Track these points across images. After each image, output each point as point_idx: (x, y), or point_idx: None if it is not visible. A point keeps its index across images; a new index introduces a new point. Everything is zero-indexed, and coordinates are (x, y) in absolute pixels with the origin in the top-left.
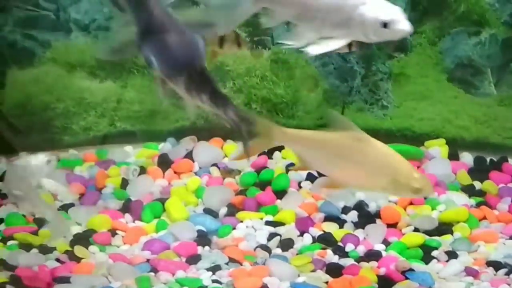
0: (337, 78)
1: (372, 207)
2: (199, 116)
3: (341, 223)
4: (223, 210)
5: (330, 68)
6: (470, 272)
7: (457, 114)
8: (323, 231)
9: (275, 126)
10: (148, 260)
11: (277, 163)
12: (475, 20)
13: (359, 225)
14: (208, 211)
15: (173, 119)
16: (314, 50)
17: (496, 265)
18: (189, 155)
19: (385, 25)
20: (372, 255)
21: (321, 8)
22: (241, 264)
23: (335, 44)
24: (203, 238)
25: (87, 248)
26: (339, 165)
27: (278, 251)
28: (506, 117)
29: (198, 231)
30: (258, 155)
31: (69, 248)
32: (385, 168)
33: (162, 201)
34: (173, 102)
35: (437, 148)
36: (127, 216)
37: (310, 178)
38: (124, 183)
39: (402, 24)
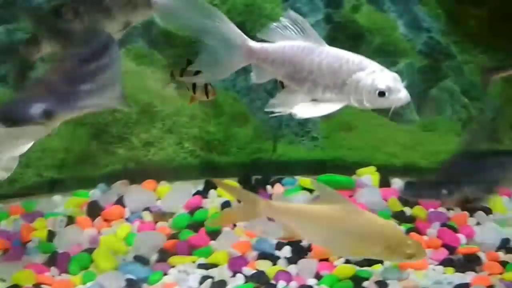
0: (266, 113)
1: (305, 242)
2: (129, 160)
3: (275, 259)
4: (154, 256)
5: (258, 103)
6: None
7: (385, 142)
8: (256, 269)
9: (261, 201)
10: None
11: (212, 201)
12: (391, 51)
13: (292, 260)
14: (138, 259)
15: (103, 163)
16: (303, 112)
17: None
18: (120, 201)
19: (381, 93)
20: None
21: (314, 70)
22: None
23: (327, 108)
24: (132, 287)
25: None
26: (332, 236)
27: None
28: (431, 141)
29: (127, 279)
30: (193, 195)
31: None
32: (378, 236)
33: (90, 251)
34: (102, 147)
35: (368, 176)
36: (53, 270)
37: None
38: (51, 235)
39: (400, 94)
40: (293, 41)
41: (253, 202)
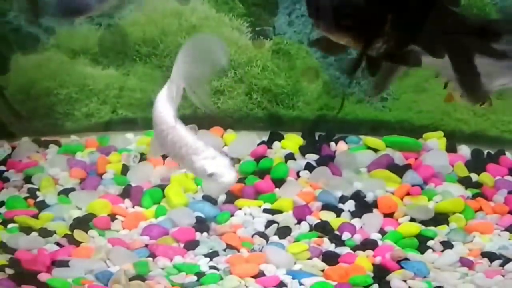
0: (337, 69)
1: (369, 197)
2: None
3: (338, 212)
4: (222, 197)
5: (331, 59)
6: (465, 262)
7: (456, 107)
8: (320, 219)
9: None
10: (146, 245)
11: (276, 152)
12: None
13: (356, 214)
14: (207, 198)
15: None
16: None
17: (490, 256)
18: None
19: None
20: (368, 244)
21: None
22: (239, 251)
23: None
24: (201, 225)
25: (86, 232)
26: None
27: (276, 238)
28: (504, 110)
29: (197, 217)
30: (258, 144)
31: (69, 232)
32: None
33: (162, 187)
34: None
35: (435, 141)
36: (127, 202)
37: (309, 167)
38: (125, 169)
39: (227, 176)
40: None
41: None
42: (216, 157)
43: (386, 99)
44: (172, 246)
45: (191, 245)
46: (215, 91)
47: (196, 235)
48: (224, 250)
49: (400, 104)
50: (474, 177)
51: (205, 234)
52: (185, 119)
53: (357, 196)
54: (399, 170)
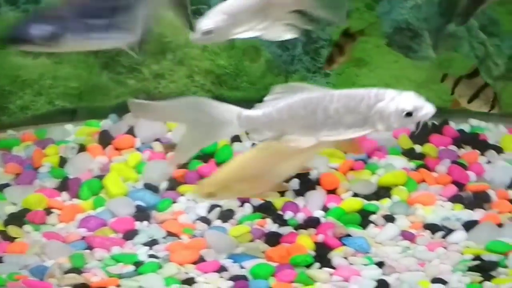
0: (279, 47)
1: (313, 174)
2: (140, 91)
3: (283, 191)
4: (163, 185)
5: None
6: (406, 235)
7: (398, 79)
8: (264, 200)
9: None
10: (83, 238)
11: None
12: None
13: (300, 193)
14: (148, 186)
15: (114, 95)
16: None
17: (433, 228)
18: (131, 131)
19: (409, 114)
20: (310, 222)
21: (331, 114)
22: (179, 238)
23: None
24: (141, 213)
25: (21, 228)
26: None
27: (219, 222)
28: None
29: (137, 206)
30: None
31: (3, 228)
32: None
33: (101, 178)
34: (113, 77)
35: None
36: (64, 195)
37: None
38: (62, 161)
39: (426, 109)
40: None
41: None
42: (401, 93)
43: (329, 74)
44: (110, 237)
45: (130, 234)
46: (155, 75)
47: (135, 225)
48: (164, 238)
49: (344, 79)
50: (418, 148)
51: (145, 223)
52: (126, 107)
53: (301, 174)
54: None
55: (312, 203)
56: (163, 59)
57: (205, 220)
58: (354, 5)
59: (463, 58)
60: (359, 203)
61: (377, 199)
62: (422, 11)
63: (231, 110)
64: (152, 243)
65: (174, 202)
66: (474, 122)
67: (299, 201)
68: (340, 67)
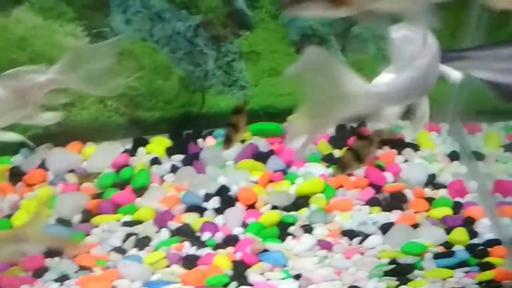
0: (190, 63)
1: (233, 191)
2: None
3: (202, 211)
4: (77, 217)
5: (180, 53)
6: (323, 245)
7: None
8: (183, 223)
9: None
10: None
11: (140, 159)
12: None
13: (220, 211)
14: (60, 221)
15: (23, 127)
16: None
17: (350, 234)
18: (43, 164)
19: None
20: (229, 241)
21: None
22: (92, 271)
23: None
24: (53, 250)
25: None
26: None
27: (134, 251)
28: None
29: None
30: (121, 154)
31: None
32: None
33: (10, 217)
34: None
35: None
36: None
37: (174, 169)
38: None
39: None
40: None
41: None
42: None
43: (245, 87)
44: (19, 276)
45: (40, 272)
46: (64, 104)
47: (45, 262)
48: (76, 272)
49: (260, 90)
50: (336, 153)
51: (56, 259)
52: (37, 138)
53: (222, 192)
54: (263, 158)
55: (232, 220)
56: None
57: (119, 250)
58: (259, 16)
59: (372, 59)
60: (277, 215)
61: (296, 209)
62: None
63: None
64: (62, 278)
65: (88, 234)
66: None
67: (219, 219)
68: (235, 143)
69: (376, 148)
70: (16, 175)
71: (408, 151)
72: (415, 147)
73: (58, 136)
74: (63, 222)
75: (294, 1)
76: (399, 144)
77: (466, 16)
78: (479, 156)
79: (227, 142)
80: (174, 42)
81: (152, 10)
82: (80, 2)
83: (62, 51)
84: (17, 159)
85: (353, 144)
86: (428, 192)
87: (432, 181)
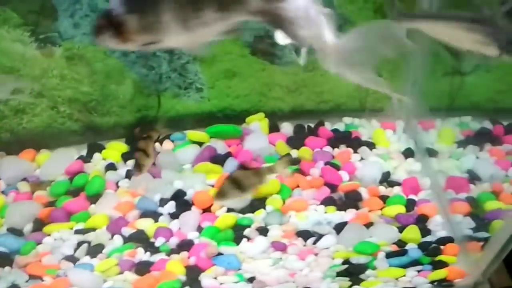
0: (143, 66)
1: (189, 194)
2: (2, 130)
3: (157, 216)
4: (28, 227)
5: (133, 57)
6: (278, 246)
7: (270, 86)
8: (137, 229)
9: None
10: None
11: (95, 165)
12: None
13: (175, 215)
14: (11, 230)
15: None
16: None
17: (305, 235)
18: None
19: None
20: (184, 246)
21: None
22: (42, 280)
23: None
24: (3, 259)
25: None
26: None
27: (87, 259)
28: (314, 82)
29: None
30: (76, 160)
31: None
32: None
33: None
34: None
35: (257, 123)
36: None
37: (130, 175)
38: None
39: None
40: None
41: None
42: None
43: (201, 89)
44: None
45: None
46: (15, 111)
47: None
48: (27, 281)
49: (217, 92)
50: (294, 153)
51: (7, 268)
52: None
53: (177, 196)
54: (221, 160)
55: (187, 225)
56: (20, 93)
57: (71, 258)
58: None
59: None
60: (233, 218)
61: (252, 211)
62: None
63: None
64: None
65: (39, 243)
66: (348, 120)
67: (174, 224)
68: (147, 168)
69: (263, 180)
70: None
71: (363, 149)
72: (371, 146)
73: (11, 144)
74: (14, 231)
75: (95, 34)
76: (355, 143)
77: None
78: (432, 152)
79: (138, 168)
80: None
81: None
82: (26, 8)
83: (10, 57)
84: None
85: (234, 172)
86: (383, 190)
87: (386, 179)
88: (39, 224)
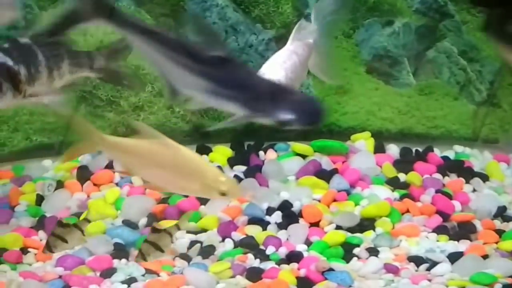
0: None
1: (296, 206)
2: (119, 124)
3: (265, 225)
4: (143, 221)
5: (250, 66)
6: (389, 269)
7: (380, 106)
8: (246, 234)
9: (96, 132)
10: (60, 277)
11: None
12: (386, 10)
13: (282, 226)
14: (127, 223)
15: None
16: None
17: (417, 260)
18: (110, 165)
19: None
20: (293, 257)
21: None
22: (158, 275)
23: None
24: (120, 251)
25: None
26: (153, 170)
27: (199, 259)
28: (428, 106)
29: (115, 244)
30: None
31: None
32: (195, 173)
33: (79, 215)
34: (91, 111)
35: (363, 142)
36: (41, 233)
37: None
38: (40, 199)
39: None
40: None
41: (89, 134)
42: None
43: None
44: (87, 275)
45: (108, 273)
46: (134, 107)
47: (113, 263)
48: (143, 275)
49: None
50: (402, 177)
51: (123, 260)
52: None
53: (284, 207)
54: (326, 176)
55: (295, 237)
56: (141, 91)
57: (185, 257)
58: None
59: (444, 84)
60: (342, 236)
61: (361, 231)
62: (400, 38)
63: None
64: (130, 281)
65: None
66: (459, 148)
67: (282, 235)
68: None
69: (172, 240)
70: (83, 174)
71: (476, 180)
72: (484, 177)
73: None
74: (130, 224)
75: None
76: (467, 173)
77: None
78: None
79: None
80: (246, 55)
81: (228, 22)
82: (158, 11)
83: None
84: (85, 159)
85: (149, 236)
86: (498, 224)
87: (502, 213)
88: (153, 219)
